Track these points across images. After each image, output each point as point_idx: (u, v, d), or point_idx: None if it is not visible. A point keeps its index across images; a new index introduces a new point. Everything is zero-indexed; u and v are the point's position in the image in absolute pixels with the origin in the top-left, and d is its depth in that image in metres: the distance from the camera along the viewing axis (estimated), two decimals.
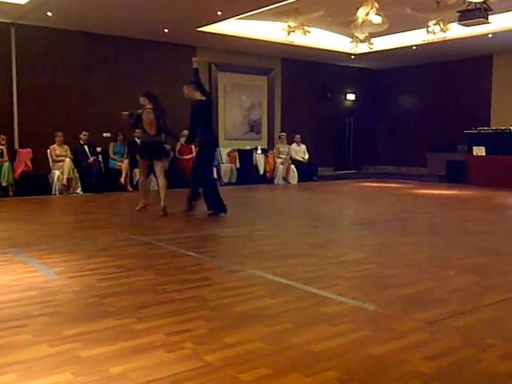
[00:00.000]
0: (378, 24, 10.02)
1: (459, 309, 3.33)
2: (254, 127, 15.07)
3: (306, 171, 13.90)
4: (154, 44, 12.74)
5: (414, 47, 13.37)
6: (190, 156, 12.21)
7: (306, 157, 14.15)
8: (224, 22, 11.18)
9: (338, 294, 3.63)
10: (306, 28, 10.83)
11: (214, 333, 2.89)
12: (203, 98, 7.61)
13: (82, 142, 10.98)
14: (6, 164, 10.02)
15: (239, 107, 14.73)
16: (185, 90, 7.70)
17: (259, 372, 2.40)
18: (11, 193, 10.02)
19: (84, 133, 11.00)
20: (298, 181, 13.65)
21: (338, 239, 6.20)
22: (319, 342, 2.77)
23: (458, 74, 15.44)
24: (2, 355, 2.58)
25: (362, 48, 11.92)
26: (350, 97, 17.41)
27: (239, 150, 13.65)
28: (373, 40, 11.34)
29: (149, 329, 2.93)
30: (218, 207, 7.55)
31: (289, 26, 10.77)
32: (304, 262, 4.67)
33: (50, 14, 10.27)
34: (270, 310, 3.30)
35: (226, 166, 13.25)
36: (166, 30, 11.74)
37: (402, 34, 12.90)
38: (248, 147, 14.02)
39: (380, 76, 17.58)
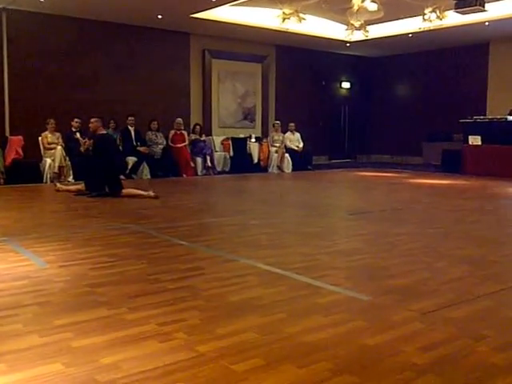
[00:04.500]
0: (374, 11, 9.96)
1: (454, 299, 3.31)
2: (248, 115, 14.99)
3: (301, 160, 13.83)
4: (147, 30, 12.61)
5: (410, 35, 13.30)
6: (182, 144, 12.15)
7: (301, 145, 14.08)
8: (218, 8, 11.07)
9: (331, 284, 3.61)
10: (301, 15, 10.74)
11: (207, 323, 2.86)
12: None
13: (73, 130, 10.82)
14: None
15: (233, 95, 14.64)
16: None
17: (252, 363, 2.38)
18: (2, 180, 9.92)
19: (76, 120, 10.83)
20: (293, 170, 13.60)
21: (333, 229, 6.18)
22: (313, 332, 2.75)
23: (455, 62, 15.39)
24: None
25: (358, 35, 11.85)
26: (345, 85, 17.36)
27: (233, 138, 13.56)
28: (368, 27, 11.27)
29: (141, 319, 2.90)
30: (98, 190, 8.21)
31: (283, 13, 10.67)
32: (298, 252, 4.64)
33: None
34: (264, 300, 3.28)
35: (220, 154, 13.18)
36: (159, 16, 11.62)
37: (397, 21, 12.82)
38: (242, 135, 13.94)
39: (375, 64, 17.50)
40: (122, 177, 10.89)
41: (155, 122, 11.86)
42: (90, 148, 8.49)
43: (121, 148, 11.15)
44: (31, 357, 2.41)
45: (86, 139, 8.84)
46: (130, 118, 11.54)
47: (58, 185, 9.02)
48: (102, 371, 2.28)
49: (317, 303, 3.22)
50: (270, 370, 2.32)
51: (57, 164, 10.28)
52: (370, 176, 12.71)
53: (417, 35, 12.97)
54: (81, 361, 2.37)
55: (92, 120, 8.45)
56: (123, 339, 2.62)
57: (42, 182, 10.21)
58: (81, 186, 8.54)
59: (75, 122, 10.82)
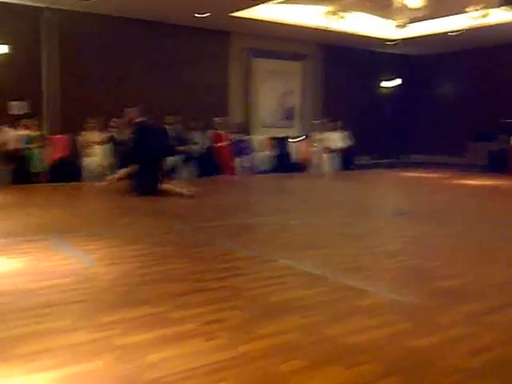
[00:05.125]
0: (417, 9, 9.77)
1: (502, 303, 3.23)
2: (288, 114, 14.95)
3: (343, 159, 13.68)
4: (189, 29, 12.66)
5: (454, 33, 12.99)
6: (223, 144, 12.19)
7: (344, 145, 13.85)
8: (258, 6, 11.05)
9: (375, 285, 3.56)
10: (343, 13, 10.62)
11: (249, 323, 2.87)
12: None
13: (112, 130, 10.89)
14: (39, 150, 10.11)
15: (273, 94, 14.60)
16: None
17: (296, 363, 2.37)
18: (45, 179, 10.10)
19: (114, 119, 10.84)
20: (334, 169, 13.46)
21: (376, 229, 6.07)
22: (356, 334, 2.72)
23: (499, 60, 14.97)
24: (40, 341, 2.61)
25: (401, 33, 11.66)
26: (388, 84, 17.09)
27: (273, 138, 13.54)
28: (412, 25, 11.07)
29: (185, 317, 2.93)
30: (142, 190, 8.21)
31: (328, 11, 10.57)
32: (340, 253, 4.60)
33: None
34: (305, 300, 3.26)
35: (261, 153, 13.17)
36: (201, 16, 11.64)
37: (441, 19, 12.54)
38: (282, 135, 13.90)
39: (418, 62, 17.18)
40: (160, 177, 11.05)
41: (195, 122, 11.94)
42: (130, 135, 8.38)
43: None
44: (78, 353, 2.47)
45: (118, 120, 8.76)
46: (169, 118, 11.64)
47: (109, 177, 9.00)
48: (148, 368, 2.31)
49: (360, 305, 3.19)
50: (315, 371, 2.31)
51: (99, 163, 10.45)
52: (414, 176, 12.50)
53: (460, 33, 12.66)
54: (127, 357, 2.42)
55: (128, 110, 8.41)
56: (168, 337, 2.65)
57: (83, 180, 10.37)
58: (129, 169, 8.47)
59: (113, 122, 10.92)
